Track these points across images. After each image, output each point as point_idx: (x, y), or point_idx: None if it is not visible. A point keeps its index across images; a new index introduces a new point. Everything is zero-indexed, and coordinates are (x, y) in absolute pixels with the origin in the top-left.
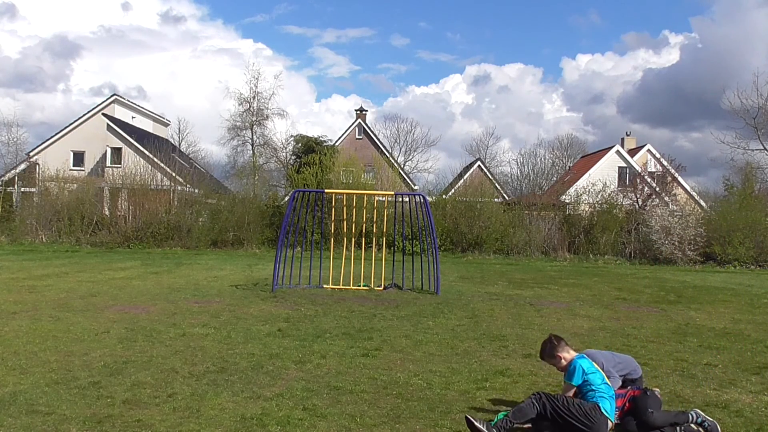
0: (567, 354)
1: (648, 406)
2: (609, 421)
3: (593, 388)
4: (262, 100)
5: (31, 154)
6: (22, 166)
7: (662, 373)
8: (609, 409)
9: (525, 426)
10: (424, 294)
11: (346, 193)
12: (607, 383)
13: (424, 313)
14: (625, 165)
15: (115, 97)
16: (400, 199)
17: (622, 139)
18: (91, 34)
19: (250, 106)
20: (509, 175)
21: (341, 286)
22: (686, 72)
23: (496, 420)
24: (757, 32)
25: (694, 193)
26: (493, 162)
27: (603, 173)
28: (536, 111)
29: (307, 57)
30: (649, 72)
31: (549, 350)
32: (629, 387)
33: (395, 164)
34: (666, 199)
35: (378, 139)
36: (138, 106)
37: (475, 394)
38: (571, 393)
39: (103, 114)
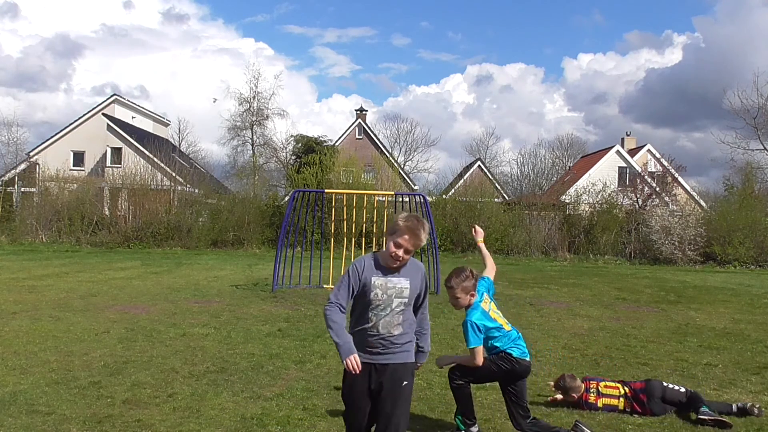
0: (471, 297)
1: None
2: (527, 361)
3: (493, 344)
4: (262, 100)
5: (31, 154)
6: (22, 166)
7: (662, 373)
8: (519, 352)
9: None
10: None
11: (346, 193)
12: (498, 326)
13: None
14: (625, 165)
15: (115, 97)
16: (400, 199)
17: (623, 139)
18: (93, 33)
19: (250, 106)
20: (509, 175)
21: None
22: (689, 72)
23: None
24: (761, 32)
25: (694, 193)
26: (493, 162)
27: (603, 173)
28: (537, 111)
29: (308, 57)
30: (652, 72)
31: (458, 277)
32: (625, 386)
33: (395, 164)
34: (666, 199)
35: (378, 139)
36: (138, 106)
37: (475, 394)
38: (480, 359)
39: (103, 114)
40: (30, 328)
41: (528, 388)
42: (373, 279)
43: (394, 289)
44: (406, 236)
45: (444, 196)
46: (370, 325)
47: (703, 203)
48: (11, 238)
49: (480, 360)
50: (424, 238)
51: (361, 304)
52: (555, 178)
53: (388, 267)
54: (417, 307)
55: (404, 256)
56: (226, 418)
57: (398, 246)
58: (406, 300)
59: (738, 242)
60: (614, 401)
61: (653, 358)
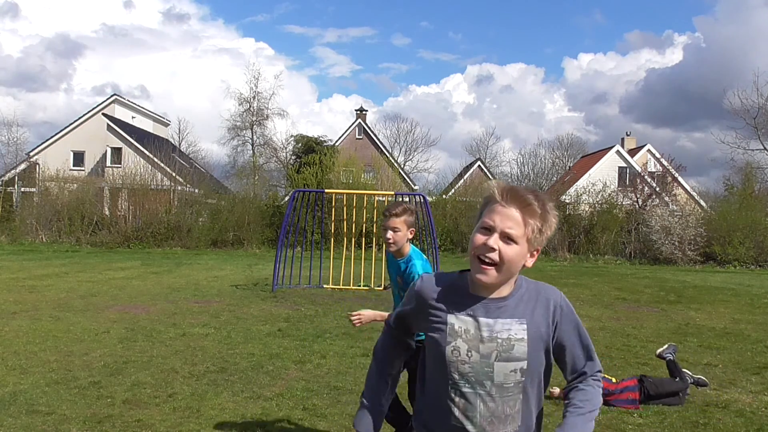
0: (410, 236)
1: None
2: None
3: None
4: (262, 100)
5: (31, 153)
6: (22, 166)
7: (662, 373)
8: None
9: None
10: None
11: (346, 193)
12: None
13: None
14: (625, 165)
15: (115, 97)
16: (400, 199)
17: (623, 139)
18: (93, 33)
19: (250, 106)
20: (509, 175)
21: (341, 286)
22: (689, 72)
23: None
24: (761, 32)
25: (694, 193)
26: (493, 162)
27: (603, 173)
28: (538, 111)
29: (308, 56)
30: (652, 72)
31: (404, 206)
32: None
33: (395, 164)
34: (666, 199)
35: (378, 139)
36: (138, 106)
37: None
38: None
39: (103, 114)
40: (30, 328)
41: None
42: (449, 318)
43: (494, 343)
44: (501, 207)
45: (444, 196)
46: (452, 412)
47: (703, 203)
48: (11, 238)
49: None
50: (542, 210)
51: (434, 362)
52: (555, 178)
53: (479, 291)
54: (567, 371)
55: (502, 248)
56: (226, 418)
57: (487, 230)
58: (524, 366)
59: (738, 242)
60: (612, 378)
61: (653, 358)
